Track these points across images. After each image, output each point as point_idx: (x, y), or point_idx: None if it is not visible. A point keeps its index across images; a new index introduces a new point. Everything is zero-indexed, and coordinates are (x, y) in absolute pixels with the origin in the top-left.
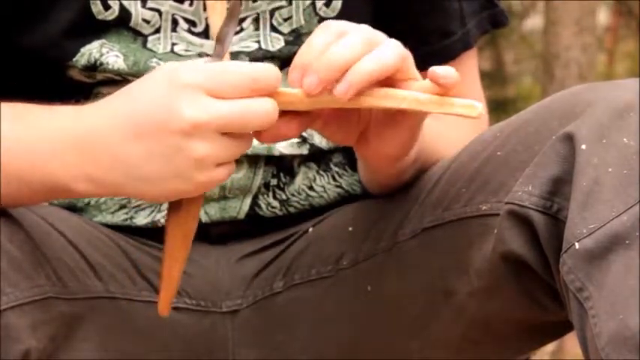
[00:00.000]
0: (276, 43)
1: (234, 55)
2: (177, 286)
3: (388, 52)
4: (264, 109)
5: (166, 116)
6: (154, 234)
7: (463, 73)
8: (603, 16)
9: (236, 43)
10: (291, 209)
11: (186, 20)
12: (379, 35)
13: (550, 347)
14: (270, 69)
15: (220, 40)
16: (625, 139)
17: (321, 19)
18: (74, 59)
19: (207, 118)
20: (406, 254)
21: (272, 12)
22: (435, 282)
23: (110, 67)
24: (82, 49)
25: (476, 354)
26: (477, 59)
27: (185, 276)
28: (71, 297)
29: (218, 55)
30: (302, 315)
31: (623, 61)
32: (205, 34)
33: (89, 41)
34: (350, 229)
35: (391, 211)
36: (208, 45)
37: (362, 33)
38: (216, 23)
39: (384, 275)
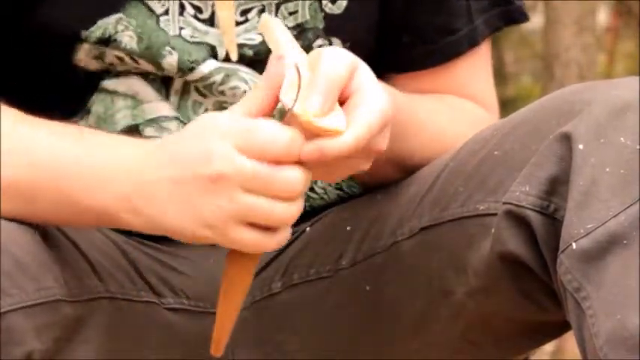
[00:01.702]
0: None
1: (238, 47)
2: (225, 330)
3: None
4: (292, 178)
5: (198, 159)
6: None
7: (471, 70)
8: (603, 16)
9: (240, 35)
10: None
11: (193, 6)
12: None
13: (549, 347)
14: (297, 142)
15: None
16: (622, 139)
17: (327, 15)
18: (90, 30)
19: (232, 172)
20: (404, 254)
21: (278, 5)
22: (433, 282)
23: (122, 45)
24: (99, 22)
25: (474, 354)
26: (488, 57)
27: (184, 277)
28: (75, 299)
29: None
30: (301, 315)
31: (623, 61)
32: (210, 21)
33: (107, 14)
34: (348, 228)
35: (389, 210)
36: (213, 33)
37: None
38: (224, 14)
39: (383, 275)
